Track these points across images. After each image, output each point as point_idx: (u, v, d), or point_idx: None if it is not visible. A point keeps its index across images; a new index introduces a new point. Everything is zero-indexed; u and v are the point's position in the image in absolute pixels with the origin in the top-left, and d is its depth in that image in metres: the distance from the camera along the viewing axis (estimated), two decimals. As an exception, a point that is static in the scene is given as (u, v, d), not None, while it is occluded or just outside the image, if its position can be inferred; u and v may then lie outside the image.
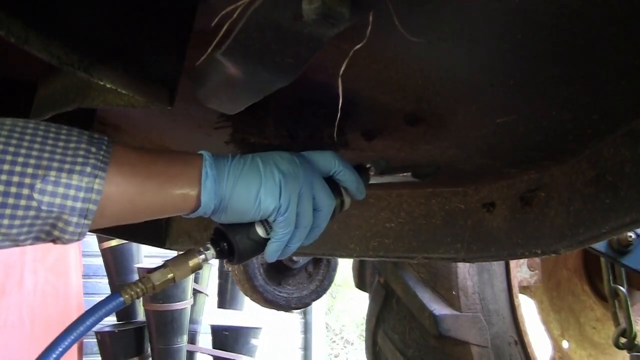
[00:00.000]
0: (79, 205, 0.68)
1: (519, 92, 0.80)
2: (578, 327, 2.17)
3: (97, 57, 0.74)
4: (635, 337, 1.78)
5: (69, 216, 0.68)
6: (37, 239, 0.70)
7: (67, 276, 3.85)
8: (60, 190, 0.67)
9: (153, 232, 1.66)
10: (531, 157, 1.02)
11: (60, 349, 0.70)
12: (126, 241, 3.76)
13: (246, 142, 1.02)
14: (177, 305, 3.82)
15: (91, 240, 4.37)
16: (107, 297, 0.75)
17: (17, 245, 0.70)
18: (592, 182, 0.90)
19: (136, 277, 4.00)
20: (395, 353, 1.90)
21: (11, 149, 0.65)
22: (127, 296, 0.75)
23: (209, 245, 0.83)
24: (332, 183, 0.88)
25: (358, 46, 0.62)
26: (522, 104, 0.84)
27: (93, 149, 0.70)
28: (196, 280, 4.16)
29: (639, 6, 0.58)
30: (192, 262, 0.81)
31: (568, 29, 0.64)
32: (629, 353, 1.82)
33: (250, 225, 0.83)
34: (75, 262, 3.97)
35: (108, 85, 0.76)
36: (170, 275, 0.79)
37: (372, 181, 0.96)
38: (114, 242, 3.89)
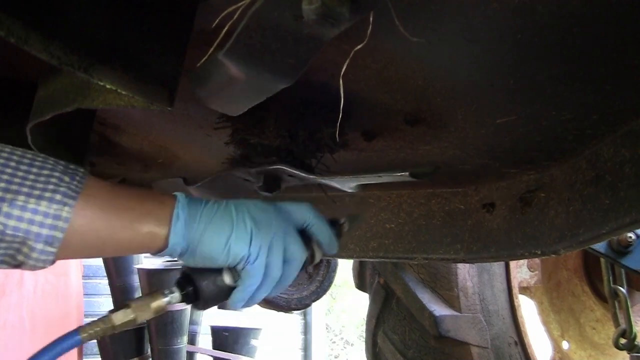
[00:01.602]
0: (44, 232, 0.68)
1: (519, 92, 0.80)
2: (578, 327, 2.17)
3: (97, 58, 0.74)
4: (635, 337, 1.78)
5: (34, 242, 0.67)
6: (2, 262, 0.69)
7: (67, 277, 3.84)
8: (27, 215, 0.67)
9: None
10: (531, 157, 1.02)
11: None
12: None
13: (246, 142, 1.02)
14: (177, 306, 3.81)
15: (91, 240, 4.36)
16: (65, 335, 0.74)
17: None
18: (592, 183, 0.90)
19: (136, 278, 4.00)
20: (395, 354, 1.90)
21: None
22: (85, 335, 0.75)
23: (174, 289, 0.82)
24: (304, 235, 0.87)
25: (359, 47, 0.62)
26: (522, 104, 0.84)
27: (66, 178, 0.70)
28: (196, 281, 4.16)
29: (639, 6, 0.58)
30: (155, 304, 0.80)
31: (568, 29, 0.64)
32: (629, 354, 1.81)
33: (218, 271, 0.82)
34: (75, 263, 3.96)
35: (108, 86, 0.76)
36: (132, 316, 0.78)
37: (367, 181, 0.96)
38: (114, 243, 3.88)
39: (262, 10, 0.57)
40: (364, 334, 2.11)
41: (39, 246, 0.68)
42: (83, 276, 4.16)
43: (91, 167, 1.54)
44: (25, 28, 0.68)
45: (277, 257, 0.81)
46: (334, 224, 0.92)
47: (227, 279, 0.82)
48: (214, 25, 0.65)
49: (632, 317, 1.80)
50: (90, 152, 1.30)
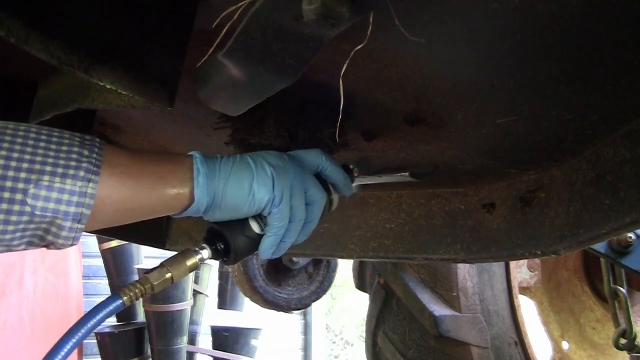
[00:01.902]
0: (72, 209, 0.68)
1: (519, 92, 0.80)
2: (578, 327, 2.17)
3: (97, 58, 0.74)
4: (635, 338, 1.78)
5: (63, 221, 0.68)
6: (31, 244, 0.70)
7: (67, 277, 3.84)
8: (54, 195, 0.66)
9: (153, 233, 1.66)
10: (531, 157, 1.02)
11: (62, 353, 0.69)
12: (126, 242, 3.75)
13: (246, 142, 1.02)
14: (177, 306, 3.81)
15: (91, 241, 4.37)
16: (106, 299, 0.74)
17: (11, 250, 0.69)
18: (592, 183, 0.90)
19: (136, 278, 3.99)
20: (395, 354, 1.90)
21: (3, 152, 0.65)
22: (126, 297, 0.75)
23: (204, 245, 0.82)
24: (320, 180, 0.88)
25: (359, 47, 0.62)
26: (522, 104, 0.84)
27: (85, 152, 0.69)
28: (196, 281, 4.16)
29: (639, 6, 0.58)
30: (189, 262, 0.80)
31: (568, 29, 0.64)
32: (629, 354, 1.81)
33: (244, 221, 0.82)
34: (75, 263, 3.96)
35: (108, 86, 0.76)
36: (168, 275, 0.78)
37: (367, 182, 0.96)
38: (114, 243, 3.89)
39: (262, 10, 0.57)
40: (364, 334, 2.11)
41: (68, 224, 0.68)
42: (83, 276, 4.16)
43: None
44: (25, 28, 0.68)
45: (299, 198, 0.82)
46: (345, 169, 0.93)
47: (255, 227, 0.83)
48: (214, 25, 0.65)
49: (632, 317, 1.80)
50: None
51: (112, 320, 4.27)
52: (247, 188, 0.79)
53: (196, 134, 1.24)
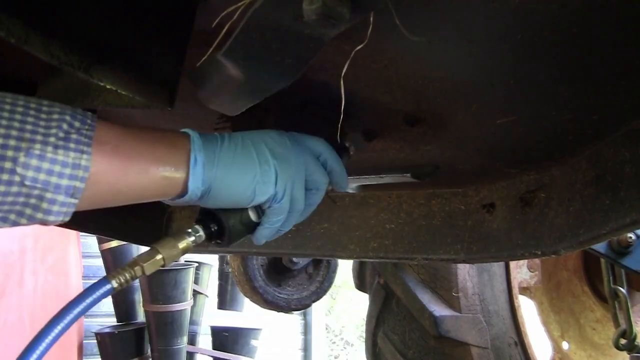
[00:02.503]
0: (64, 182, 0.63)
1: (519, 92, 0.80)
2: (578, 328, 2.17)
3: (97, 58, 0.74)
4: (635, 338, 1.78)
5: (53, 194, 0.63)
6: (18, 221, 0.64)
7: (67, 277, 3.84)
8: (45, 165, 0.62)
9: (153, 233, 1.66)
10: (531, 157, 1.02)
11: (47, 339, 0.67)
12: (126, 242, 3.75)
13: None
14: (177, 307, 3.82)
15: (91, 241, 4.37)
16: (94, 283, 0.70)
17: None
18: (592, 183, 0.90)
19: (136, 278, 4.00)
20: (395, 354, 1.90)
21: None
22: (114, 280, 0.71)
23: (197, 227, 0.79)
24: None
25: (359, 47, 0.62)
26: (522, 104, 0.84)
27: (76, 124, 0.65)
28: (196, 282, 4.17)
29: (639, 6, 0.58)
30: (181, 244, 0.77)
31: (568, 29, 0.64)
32: (629, 354, 1.81)
33: (242, 208, 0.80)
34: (75, 263, 3.97)
35: (108, 86, 0.76)
36: (159, 257, 0.75)
37: (368, 182, 0.95)
38: (114, 243, 3.89)
39: (262, 10, 0.57)
40: (364, 334, 2.11)
41: (60, 197, 0.63)
42: (83, 276, 4.16)
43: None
44: (25, 28, 0.68)
45: (300, 190, 0.80)
46: (341, 148, 0.90)
47: (252, 216, 0.81)
48: (213, 25, 0.65)
49: (632, 318, 1.80)
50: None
51: (112, 321, 4.27)
52: (249, 183, 0.76)
53: (196, 134, 1.24)
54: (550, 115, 0.85)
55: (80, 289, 3.94)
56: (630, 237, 1.69)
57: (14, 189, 0.61)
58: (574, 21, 0.62)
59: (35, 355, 0.66)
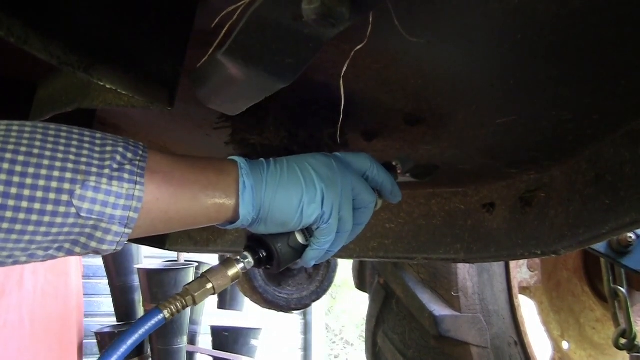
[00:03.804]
0: (118, 213, 0.64)
1: (519, 92, 0.80)
2: (578, 327, 2.17)
3: (97, 58, 0.74)
4: (635, 337, 1.78)
5: (108, 224, 0.64)
6: (72, 250, 0.66)
7: (67, 276, 3.84)
8: (100, 197, 0.63)
9: (153, 232, 1.66)
10: (531, 157, 1.02)
11: None
12: (126, 242, 3.75)
13: (246, 142, 1.02)
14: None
15: (91, 241, 4.36)
16: (146, 314, 0.72)
17: (52, 257, 0.66)
18: (592, 183, 0.90)
19: (136, 278, 4.00)
20: (395, 354, 1.90)
21: (47, 153, 0.62)
22: (166, 311, 0.72)
23: (246, 254, 0.80)
24: None
25: (359, 47, 0.62)
26: (522, 104, 0.84)
27: (129, 155, 0.67)
28: (196, 281, 4.16)
29: (639, 6, 0.58)
30: (231, 272, 0.78)
31: (568, 29, 0.64)
32: (628, 354, 1.82)
33: (289, 232, 0.80)
34: (75, 263, 3.96)
35: (108, 86, 0.76)
36: (209, 286, 0.76)
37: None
38: (114, 243, 3.88)
39: (262, 10, 0.57)
40: (364, 334, 2.11)
41: (114, 228, 0.65)
42: (83, 276, 4.16)
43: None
44: (25, 28, 0.68)
45: (348, 211, 0.80)
46: (388, 168, 0.90)
47: (300, 239, 0.81)
48: (213, 25, 0.65)
49: (632, 317, 1.80)
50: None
51: (112, 320, 4.28)
52: (296, 205, 0.76)
53: (196, 133, 1.24)
54: (550, 115, 0.85)
55: (81, 289, 3.94)
56: (630, 237, 1.69)
57: (70, 220, 0.63)
58: (574, 21, 0.62)
59: None
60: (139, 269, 3.85)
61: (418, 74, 0.81)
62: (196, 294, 0.75)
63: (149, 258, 4.22)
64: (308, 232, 0.81)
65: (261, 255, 0.81)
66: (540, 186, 1.06)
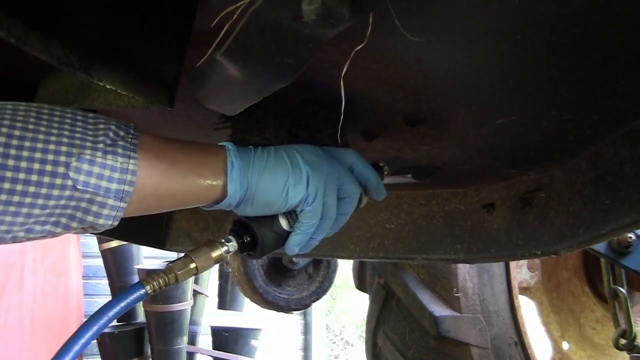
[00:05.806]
0: (114, 186, 0.66)
1: (519, 92, 0.80)
2: (578, 328, 2.17)
3: (97, 58, 0.74)
4: (635, 338, 1.78)
5: (104, 198, 0.66)
6: (70, 222, 0.67)
7: (67, 277, 3.84)
8: (96, 169, 0.65)
9: (153, 233, 1.66)
10: (531, 157, 1.02)
11: (82, 340, 0.68)
12: (126, 242, 3.75)
13: (246, 142, 1.02)
14: (177, 307, 3.81)
15: (91, 241, 4.37)
16: (129, 287, 0.73)
17: (49, 233, 0.67)
18: (592, 183, 0.90)
19: (136, 278, 3.99)
20: (395, 354, 1.90)
21: (42, 129, 0.63)
22: (149, 286, 0.73)
23: (230, 237, 0.81)
24: None
25: (359, 47, 0.62)
26: (522, 104, 0.84)
27: (121, 132, 0.69)
28: (196, 282, 4.16)
29: (639, 6, 0.58)
30: (214, 253, 0.78)
31: (568, 29, 0.64)
32: (629, 354, 1.81)
33: (274, 217, 0.81)
34: (75, 263, 3.96)
35: (108, 86, 0.76)
36: (192, 265, 0.76)
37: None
38: (114, 243, 3.88)
39: (262, 10, 0.57)
40: (364, 334, 2.11)
41: (110, 202, 0.66)
42: (83, 276, 4.16)
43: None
44: (25, 28, 0.68)
45: (332, 197, 0.82)
46: (375, 167, 0.91)
47: (283, 224, 0.82)
48: (213, 25, 0.65)
49: (632, 318, 1.80)
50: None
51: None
52: (282, 185, 0.78)
53: (196, 134, 1.24)
54: (550, 115, 0.85)
55: (80, 289, 3.94)
56: (630, 237, 1.69)
57: (67, 192, 0.64)
58: (574, 21, 0.62)
59: (67, 358, 0.67)
60: (139, 269, 3.85)
61: (418, 74, 0.81)
62: (179, 273, 0.75)
63: (149, 258, 4.22)
64: (292, 218, 0.82)
65: (245, 240, 0.81)
66: (540, 186, 1.06)
